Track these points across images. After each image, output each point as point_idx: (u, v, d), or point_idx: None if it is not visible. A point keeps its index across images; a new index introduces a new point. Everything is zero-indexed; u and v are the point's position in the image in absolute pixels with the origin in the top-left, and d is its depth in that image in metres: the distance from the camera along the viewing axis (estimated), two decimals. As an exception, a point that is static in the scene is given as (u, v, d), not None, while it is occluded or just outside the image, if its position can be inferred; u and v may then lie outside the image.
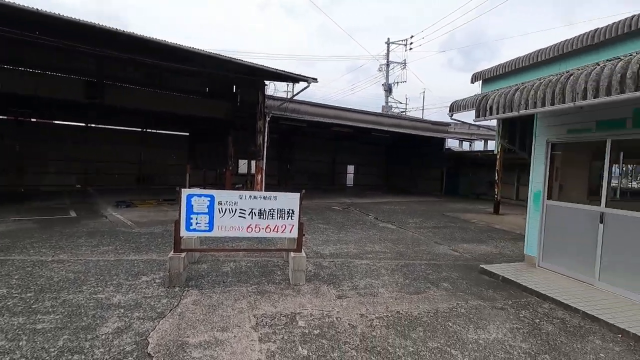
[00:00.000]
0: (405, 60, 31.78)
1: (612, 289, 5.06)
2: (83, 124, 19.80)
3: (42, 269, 5.29)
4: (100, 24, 8.85)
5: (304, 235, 5.72)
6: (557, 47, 6.32)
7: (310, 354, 3.31)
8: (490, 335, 3.85)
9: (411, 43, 30.43)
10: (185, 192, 4.91)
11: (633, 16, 5.17)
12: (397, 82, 31.50)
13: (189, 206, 4.90)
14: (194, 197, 4.91)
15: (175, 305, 4.23)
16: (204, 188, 15.97)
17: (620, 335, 3.94)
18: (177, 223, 4.84)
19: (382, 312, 4.30)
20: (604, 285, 5.16)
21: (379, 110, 27.10)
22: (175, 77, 14.14)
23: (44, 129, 18.44)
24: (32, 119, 18.04)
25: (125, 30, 9.21)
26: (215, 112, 15.00)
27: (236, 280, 5.22)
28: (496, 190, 14.96)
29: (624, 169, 9.49)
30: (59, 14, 8.35)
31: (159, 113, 16.41)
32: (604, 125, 5.27)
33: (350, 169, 29.53)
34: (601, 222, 5.22)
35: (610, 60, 4.15)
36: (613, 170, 5.73)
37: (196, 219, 4.93)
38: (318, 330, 3.76)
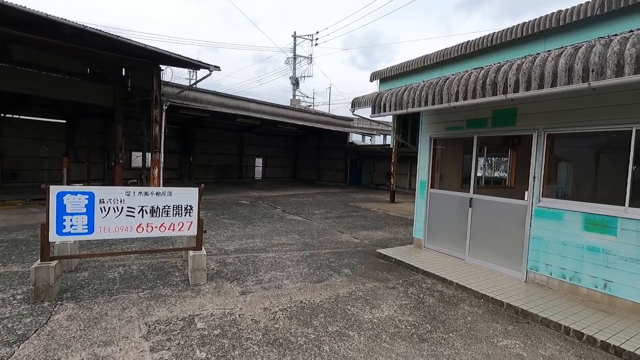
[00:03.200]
0: (311, 55, 32.49)
1: (477, 262, 6.02)
2: None
3: None
4: None
5: (205, 232, 5.41)
6: (439, 54, 7.16)
7: (209, 356, 3.15)
8: (383, 313, 4.21)
9: (317, 39, 31.29)
10: (54, 189, 4.15)
11: (495, 33, 6.16)
12: (304, 77, 32.08)
13: (61, 206, 4.17)
14: (67, 195, 4.20)
15: (43, 323, 3.57)
16: (89, 184, 13.91)
17: (482, 300, 4.71)
18: (44, 226, 4.08)
19: (285, 304, 4.34)
20: (472, 260, 6.11)
21: (287, 104, 27.22)
22: (48, 56, 11.79)
23: None
24: None
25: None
26: (100, 98, 13.09)
27: (125, 286, 4.66)
28: (392, 180, 16.45)
29: (489, 161, 11.33)
30: None
31: (24, 96, 13.61)
32: (472, 124, 6.18)
33: (259, 161, 29.12)
34: (470, 206, 6.15)
35: (476, 69, 4.86)
36: (479, 162, 6.78)
37: (71, 220, 4.23)
38: (219, 330, 3.60)
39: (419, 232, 7.25)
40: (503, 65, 4.34)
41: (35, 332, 3.40)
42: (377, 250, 6.91)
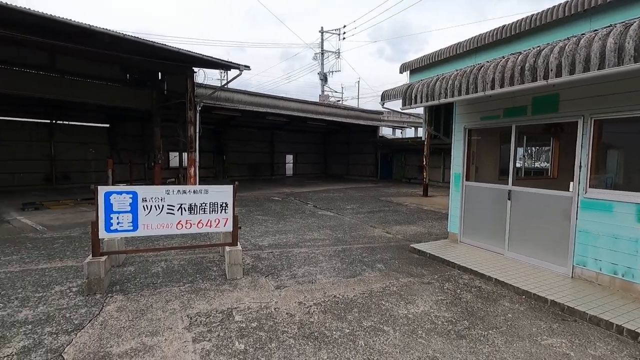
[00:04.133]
0: (339, 49, 32.21)
1: (517, 257, 5.76)
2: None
3: None
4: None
5: (240, 228, 5.57)
6: (472, 40, 6.86)
7: (248, 347, 3.26)
8: (418, 308, 4.15)
9: (344, 33, 30.98)
10: (102, 189, 4.45)
11: (533, 15, 5.81)
12: (332, 71, 31.94)
13: (108, 205, 4.46)
14: (114, 195, 4.48)
15: (96, 314, 3.85)
16: (131, 184, 14.73)
17: (524, 297, 4.51)
18: (95, 224, 4.38)
19: (319, 298, 4.39)
20: (512, 255, 5.86)
21: (316, 99, 27.29)
22: (89, 63, 12.61)
23: None
24: None
25: (23, 7, 7.93)
26: (139, 102, 13.78)
27: (167, 280, 4.92)
28: (424, 174, 16.07)
29: (528, 151, 10.76)
30: None
31: (70, 103, 14.66)
32: (510, 112, 5.89)
33: (289, 158, 29.47)
34: (509, 198, 5.88)
35: (513, 54, 4.61)
36: (518, 152, 6.46)
37: (117, 218, 4.52)
38: (256, 323, 3.71)
39: (454, 226, 7.04)
40: (543, 49, 4.10)
41: (89, 322, 3.68)
42: (411, 245, 6.80)
